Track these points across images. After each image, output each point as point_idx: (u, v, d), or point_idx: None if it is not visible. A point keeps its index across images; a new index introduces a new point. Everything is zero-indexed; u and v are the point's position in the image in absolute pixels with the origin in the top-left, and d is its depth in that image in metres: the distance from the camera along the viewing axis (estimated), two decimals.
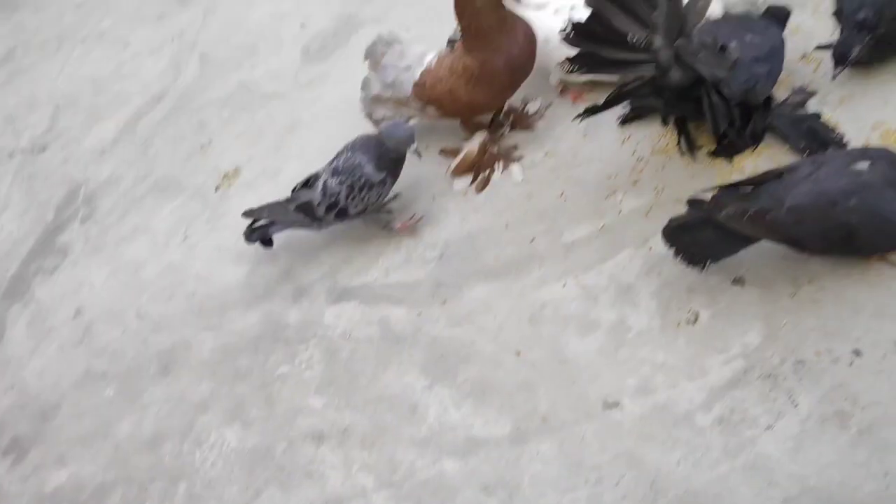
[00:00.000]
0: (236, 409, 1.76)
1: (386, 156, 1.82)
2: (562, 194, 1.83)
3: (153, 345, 1.97)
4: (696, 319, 1.55)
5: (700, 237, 1.52)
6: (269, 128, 2.37)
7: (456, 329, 1.71)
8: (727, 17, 1.83)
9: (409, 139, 1.80)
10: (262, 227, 1.93)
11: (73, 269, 2.26)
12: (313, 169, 1.92)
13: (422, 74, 1.89)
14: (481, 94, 1.84)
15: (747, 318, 1.50)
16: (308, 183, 1.89)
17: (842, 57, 1.69)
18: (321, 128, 2.27)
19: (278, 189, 2.10)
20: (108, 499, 1.72)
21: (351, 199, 1.84)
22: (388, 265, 1.87)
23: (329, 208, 1.85)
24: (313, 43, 2.57)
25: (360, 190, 1.83)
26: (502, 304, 1.71)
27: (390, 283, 1.84)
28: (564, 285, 1.69)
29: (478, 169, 1.94)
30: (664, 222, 1.53)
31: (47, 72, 3.02)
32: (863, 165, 1.42)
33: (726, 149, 1.73)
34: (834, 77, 1.73)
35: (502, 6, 1.78)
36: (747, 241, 1.50)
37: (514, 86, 1.89)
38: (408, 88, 1.92)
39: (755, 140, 1.71)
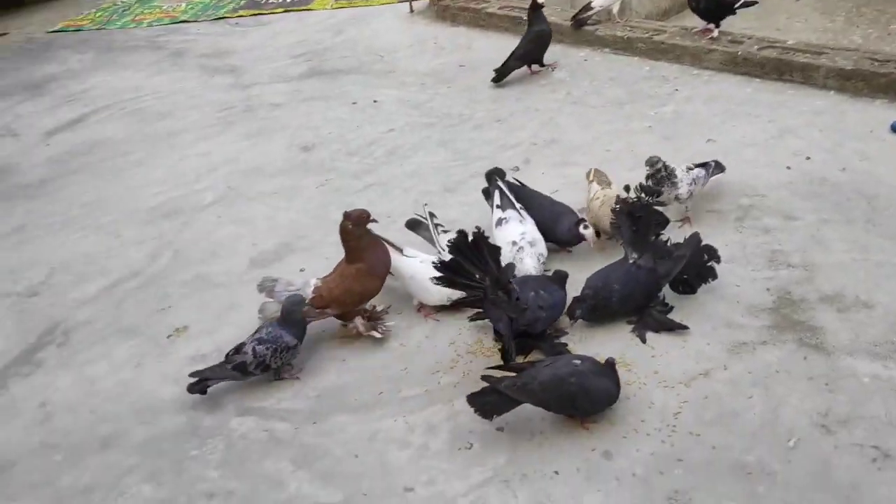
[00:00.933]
0: (154, 474, 2.49)
1: (295, 324, 2.80)
2: (405, 369, 2.82)
3: (99, 430, 2.70)
4: (471, 447, 2.47)
5: (489, 400, 2.49)
6: (214, 304, 3.32)
7: (319, 439, 2.56)
8: (530, 278, 2.98)
9: (300, 301, 2.77)
10: (201, 381, 2.73)
11: (44, 377, 3.00)
12: (242, 333, 2.87)
13: (316, 288, 2.90)
14: (369, 284, 2.89)
15: (500, 449, 2.44)
16: (238, 350, 2.77)
17: (571, 314, 2.85)
18: (251, 309, 3.23)
19: (213, 342, 3.04)
20: None
21: (273, 359, 2.75)
22: (281, 396, 2.76)
23: (257, 366, 2.73)
24: (259, 257, 3.64)
25: (282, 352, 2.75)
26: (353, 427, 2.59)
27: (280, 407, 2.71)
28: (395, 421, 2.60)
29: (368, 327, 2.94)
30: (466, 391, 2.50)
31: (50, 244, 3.95)
32: (578, 361, 2.50)
33: (507, 353, 2.79)
34: (571, 324, 2.86)
35: (370, 234, 2.91)
36: (517, 402, 2.47)
37: (383, 279, 2.94)
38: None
39: (526, 351, 2.80)
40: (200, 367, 2.93)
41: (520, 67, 4.98)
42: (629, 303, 2.84)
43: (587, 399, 2.45)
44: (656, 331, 2.79)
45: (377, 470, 2.43)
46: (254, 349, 2.72)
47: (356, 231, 2.88)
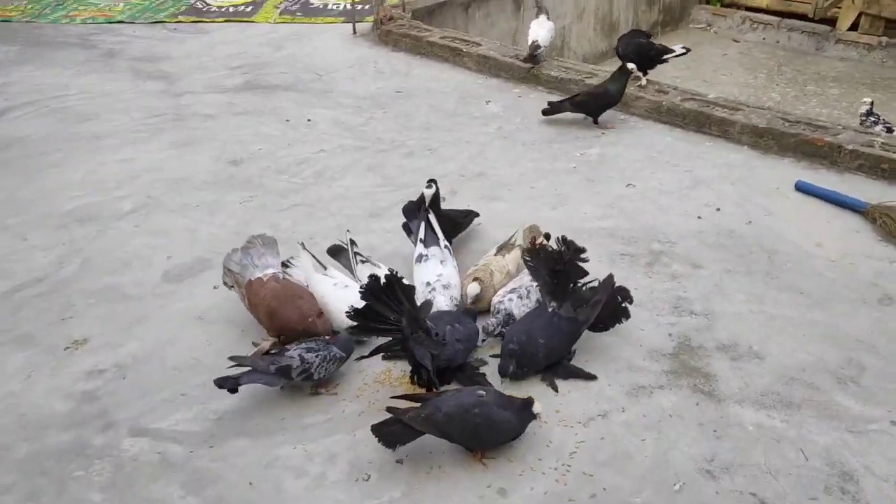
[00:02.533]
0: (32, 494, 2.39)
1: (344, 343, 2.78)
2: (311, 397, 2.79)
3: None
4: (368, 478, 2.46)
5: (393, 430, 2.48)
6: (121, 316, 3.22)
7: (214, 463, 2.51)
8: (443, 313, 3.00)
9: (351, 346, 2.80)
10: (233, 378, 2.61)
11: None
12: (146, 348, 2.80)
13: (250, 281, 2.91)
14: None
15: (398, 481, 2.44)
16: (280, 353, 2.68)
17: (503, 372, 2.86)
18: (160, 325, 3.15)
19: (113, 356, 2.96)
20: None
21: (319, 369, 2.68)
22: (180, 417, 2.69)
23: (302, 373, 2.65)
24: (173, 270, 3.56)
25: (330, 362, 2.70)
26: (251, 453, 2.55)
27: (177, 429, 2.64)
28: (294, 448, 2.57)
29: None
30: (370, 421, 2.49)
31: None
32: (482, 392, 2.52)
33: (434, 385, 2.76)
34: (502, 382, 2.86)
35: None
36: (419, 433, 2.47)
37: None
38: (246, 279, 2.94)
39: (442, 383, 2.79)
40: (97, 383, 2.86)
41: (572, 112, 4.80)
42: (553, 355, 2.84)
43: (490, 431, 2.47)
44: (565, 378, 2.83)
45: (271, 498, 2.39)
46: (301, 356, 2.66)
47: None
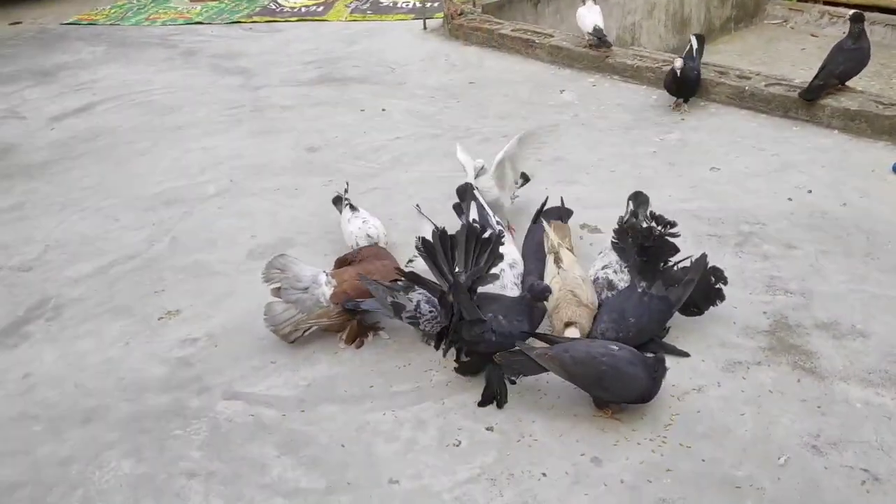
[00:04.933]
0: (135, 450, 2.45)
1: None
2: (398, 365, 2.79)
3: (81, 404, 2.66)
4: (459, 444, 2.44)
5: (518, 360, 2.50)
6: (209, 290, 3.29)
7: (306, 426, 2.53)
8: (503, 300, 2.79)
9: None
10: (356, 301, 2.76)
11: (30, 350, 2.96)
12: (235, 320, 2.85)
13: (338, 288, 2.82)
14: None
15: (489, 448, 2.41)
16: (405, 291, 2.69)
17: None
18: (248, 298, 3.20)
19: (204, 327, 3.03)
20: (18, 492, 2.29)
21: (426, 322, 2.66)
22: (271, 383, 2.72)
23: (410, 317, 2.67)
24: (258, 248, 3.62)
25: (437, 322, 2.65)
26: (341, 417, 2.56)
27: (269, 394, 2.68)
28: (384, 414, 2.57)
29: (355, 337, 2.90)
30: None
31: (46, 224, 3.92)
32: (615, 347, 2.47)
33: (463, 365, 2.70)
34: None
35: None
36: (543, 369, 2.47)
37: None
38: (309, 304, 2.81)
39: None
40: (190, 350, 2.92)
41: (835, 87, 4.40)
42: (644, 334, 2.74)
43: (616, 381, 2.42)
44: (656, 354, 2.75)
45: (363, 461, 2.39)
46: (418, 304, 2.67)
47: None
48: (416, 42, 6.43)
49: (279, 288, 2.89)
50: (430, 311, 2.66)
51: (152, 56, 6.52)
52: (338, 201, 3.58)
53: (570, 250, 3.04)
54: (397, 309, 2.68)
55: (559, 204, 3.47)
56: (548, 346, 2.56)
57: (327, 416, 2.57)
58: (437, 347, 2.69)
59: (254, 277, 3.35)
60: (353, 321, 2.89)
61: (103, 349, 2.95)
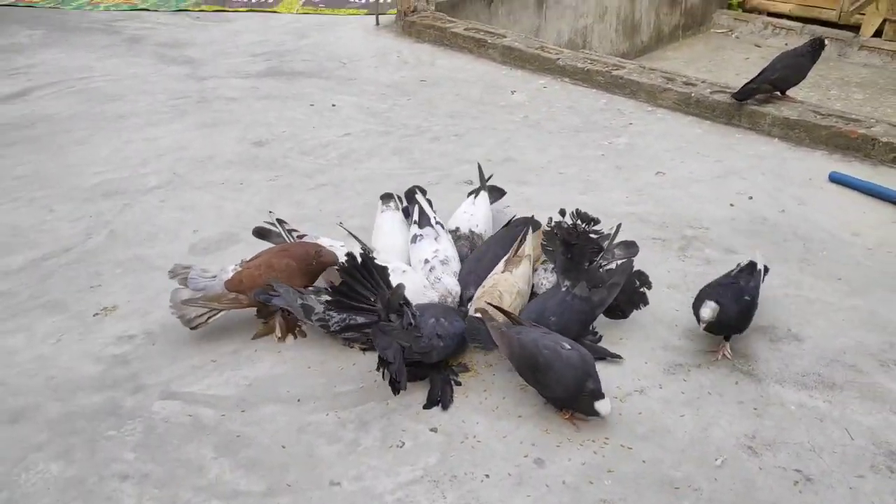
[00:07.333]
0: (64, 452, 2.35)
1: None
2: (341, 367, 2.75)
3: (8, 404, 2.54)
4: (402, 445, 2.42)
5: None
6: (149, 286, 3.19)
7: (246, 427, 2.47)
8: (435, 306, 2.79)
9: None
10: (269, 295, 2.72)
11: None
12: (176, 318, 2.76)
13: (235, 273, 2.80)
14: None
15: (432, 449, 2.40)
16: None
17: None
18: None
19: (142, 323, 2.93)
20: None
21: (335, 324, 2.67)
22: (211, 382, 2.65)
23: (319, 320, 2.68)
24: (200, 243, 3.53)
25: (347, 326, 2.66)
26: (283, 417, 2.51)
27: (208, 394, 2.60)
28: (327, 415, 2.53)
29: (284, 330, 2.85)
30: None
31: None
32: (567, 346, 2.47)
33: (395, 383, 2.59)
34: None
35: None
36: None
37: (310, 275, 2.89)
38: (218, 288, 2.77)
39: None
40: (127, 348, 2.82)
41: (768, 92, 4.60)
42: (566, 334, 2.67)
43: (549, 376, 2.42)
44: None
45: (304, 462, 2.35)
46: (326, 309, 2.68)
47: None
48: (368, 38, 6.37)
49: (186, 278, 2.83)
50: (337, 314, 2.65)
51: (94, 42, 6.30)
52: (264, 234, 3.17)
53: (534, 268, 3.06)
54: (307, 311, 2.65)
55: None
56: (509, 322, 2.57)
57: (268, 416, 2.52)
58: (384, 378, 2.54)
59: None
60: (276, 316, 2.86)
61: (34, 346, 2.83)
